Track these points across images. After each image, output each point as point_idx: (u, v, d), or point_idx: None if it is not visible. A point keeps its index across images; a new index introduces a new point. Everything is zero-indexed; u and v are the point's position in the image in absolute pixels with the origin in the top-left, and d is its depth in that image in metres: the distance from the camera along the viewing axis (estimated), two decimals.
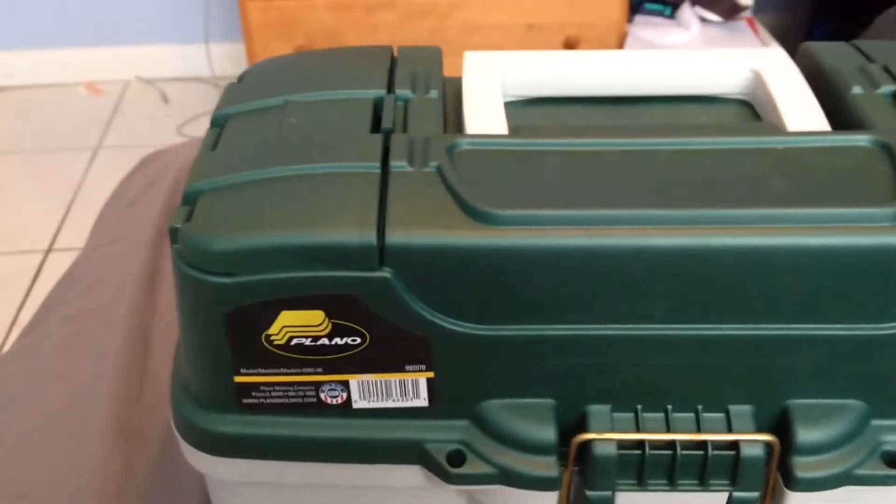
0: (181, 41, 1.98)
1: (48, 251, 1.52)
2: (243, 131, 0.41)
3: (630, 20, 1.61)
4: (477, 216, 0.35)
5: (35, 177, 1.72)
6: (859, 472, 0.37)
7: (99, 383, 0.55)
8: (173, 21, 1.96)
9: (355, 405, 0.38)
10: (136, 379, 0.56)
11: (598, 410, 0.38)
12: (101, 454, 0.50)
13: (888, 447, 0.37)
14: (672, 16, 1.62)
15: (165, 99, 1.93)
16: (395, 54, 0.47)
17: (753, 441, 0.37)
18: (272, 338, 0.36)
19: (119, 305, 0.62)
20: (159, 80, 1.99)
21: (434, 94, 0.43)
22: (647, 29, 1.59)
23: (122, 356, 0.57)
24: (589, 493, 0.38)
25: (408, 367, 0.37)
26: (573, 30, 1.55)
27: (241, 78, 0.46)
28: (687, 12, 1.59)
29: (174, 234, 0.36)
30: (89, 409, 0.54)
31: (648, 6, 1.63)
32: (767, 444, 0.37)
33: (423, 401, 0.38)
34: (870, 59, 0.44)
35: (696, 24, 1.58)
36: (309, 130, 0.40)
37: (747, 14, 1.62)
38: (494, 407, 0.38)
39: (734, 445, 0.37)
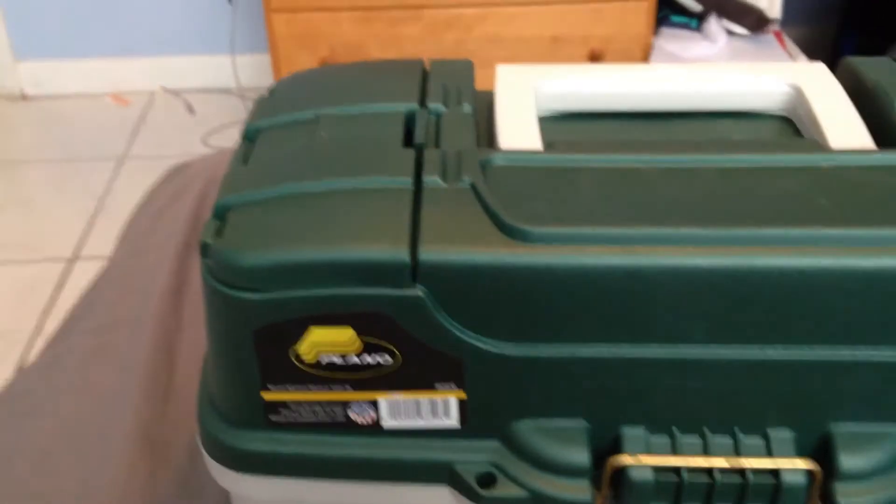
0: (207, 52, 1.99)
1: (73, 260, 1.53)
2: (274, 145, 0.41)
3: (656, 32, 1.60)
4: (511, 233, 0.34)
5: (60, 186, 1.73)
6: None
7: (124, 396, 0.55)
8: (199, 32, 1.97)
9: (384, 424, 0.38)
10: (162, 392, 0.56)
11: (632, 433, 0.37)
12: (124, 467, 0.50)
13: None
14: (698, 28, 1.60)
15: (191, 110, 1.94)
16: (427, 67, 0.46)
17: (795, 468, 0.35)
18: (301, 355, 0.36)
19: (145, 318, 0.62)
20: (185, 91, 2.00)
21: (467, 108, 0.42)
22: (673, 42, 1.58)
23: (147, 369, 0.57)
24: None
25: (438, 386, 0.37)
26: (598, 42, 1.54)
27: (271, 91, 0.46)
28: (714, 25, 1.57)
29: (205, 248, 0.36)
30: (114, 421, 0.53)
31: (674, 18, 1.61)
32: (809, 472, 0.36)
33: (453, 421, 0.37)
34: None
35: (722, 37, 1.56)
36: (341, 145, 0.40)
37: (775, 27, 1.60)
38: (526, 428, 0.37)
39: (774, 472, 0.36)
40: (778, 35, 1.61)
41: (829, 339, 0.35)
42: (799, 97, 0.43)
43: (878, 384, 0.35)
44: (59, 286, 1.46)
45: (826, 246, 0.33)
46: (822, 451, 0.36)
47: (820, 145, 0.40)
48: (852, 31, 1.65)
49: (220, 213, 0.37)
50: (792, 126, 0.44)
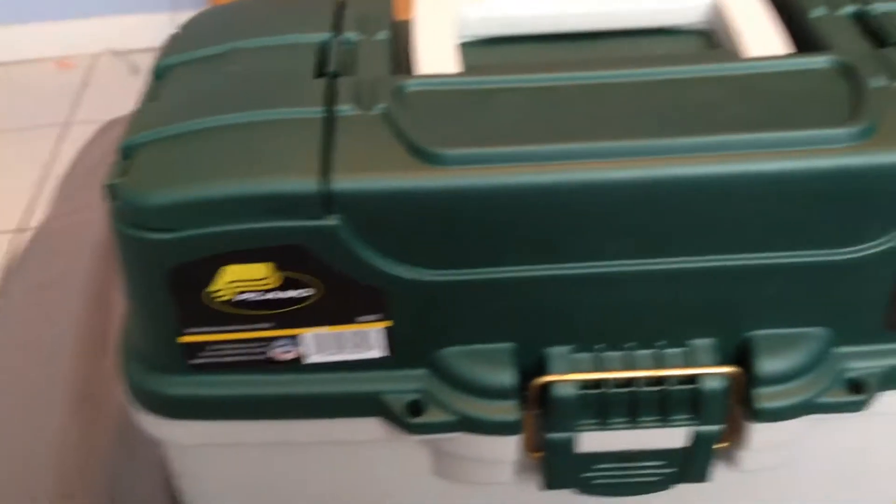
0: (149, 10, 1.93)
1: (19, 231, 1.49)
2: (184, 82, 0.40)
3: None
4: (426, 157, 0.34)
5: (4, 156, 1.69)
6: (822, 399, 0.36)
7: (60, 352, 0.54)
8: None
9: (309, 360, 0.37)
10: (98, 348, 0.55)
11: (557, 352, 0.37)
12: (62, 423, 0.49)
13: (851, 374, 0.37)
14: None
15: (136, 70, 1.89)
16: None
17: (714, 374, 0.36)
18: (217, 294, 0.35)
19: (80, 274, 0.61)
20: (129, 52, 1.95)
21: (383, 35, 0.41)
22: None
23: (83, 325, 0.56)
24: (549, 435, 0.37)
25: (362, 318, 0.36)
26: None
27: (183, 27, 0.44)
28: None
29: (110, 190, 0.35)
30: (51, 377, 0.53)
31: None
32: (729, 377, 0.36)
33: (379, 351, 0.37)
34: None
35: None
36: (252, 77, 0.38)
37: None
38: (453, 354, 0.37)
39: (695, 379, 0.36)
40: None
41: (745, 246, 0.35)
42: (716, 10, 0.43)
43: (794, 288, 0.35)
44: (7, 258, 1.43)
45: (739, 151, 0.33)
46: (741, 357, 0.37)
47: (734, 54, 0.40)
48: None
49: (127, 153, 0.36)
50: (710, 39, 0.43)
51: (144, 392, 0.38)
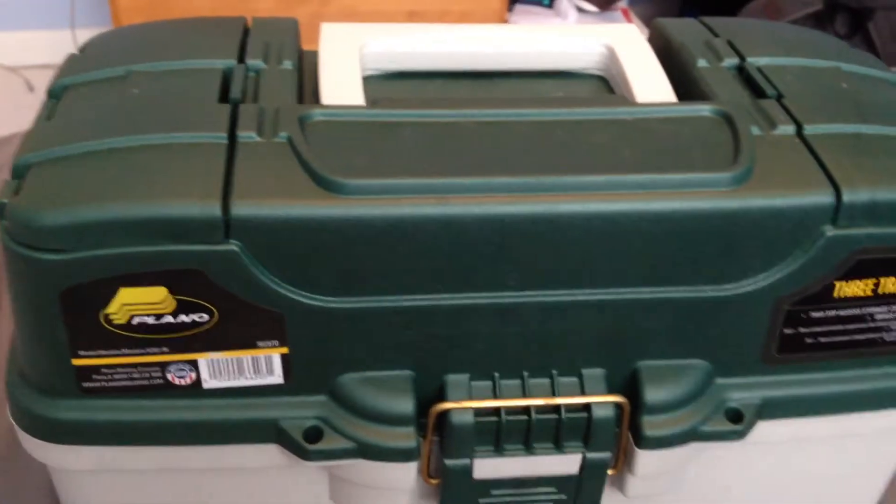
0: (46, 27, 1.87)
1: None
2: (82, 102, 0.39)
3: (510, 9, 1.63)
4: (327, 186, 0.34)
5: None
6: (705, 428, 0.38)
7: None
8: (38, 5, 1.85)
9: (205, 385, 0.37)
10: None
11: (455, 380, 0.38)
12: None
13: (731, 404, 0.39)
14: (550, 5, 1.64)
15: (30, 87, 1.83)
16: (249, 25, 0.45)
17: (604, 402, 0.37)
18: (111, 317, 0.35)
19: None
20: (24, 68, 1.88)
21: (288, 64, 0.42)
22: (527, 18, 1.61)
23: None
24: (447, 461, 0.38)
25: (260, 344, 0.36)
26: (454, 18, 1.55)
27: (82, 48, 0.44)
28: (564, 2, 1.62)
29: (0, 209, 0.34)
30: None
31: None
32: (617, 405, 0.38)
33: (277, 378, 0.37)
34: (715, 34, 0.46)
35: (573, 14, 1.61)
36: (152, 101, 0.38)
37: (622, 4, 1.66)
38: (351, 381, 0.38)
39: (586, 408, 0.38)
40: (625, 12, 1.67)
41: (632, 281, 0.36)
42: (611, 56, 0.45)
43: (678, 321, 0.37)
44: None
45: (626, 191, 0.35)
46: (630, 386, 0.38)
47: (627, 100, 0.42)
48: (694, 9, 1.73)
49: (20, 172, 0.35)
50: (606, 84, 0.45)
51: (32, 416, 0.37)
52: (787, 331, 0.38)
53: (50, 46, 1.88)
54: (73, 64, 0.42)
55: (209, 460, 0.38)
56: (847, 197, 0.35)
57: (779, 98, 0.41)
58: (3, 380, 0.39)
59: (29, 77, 1.86)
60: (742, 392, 0.39)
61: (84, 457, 0.38)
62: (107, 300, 0.34)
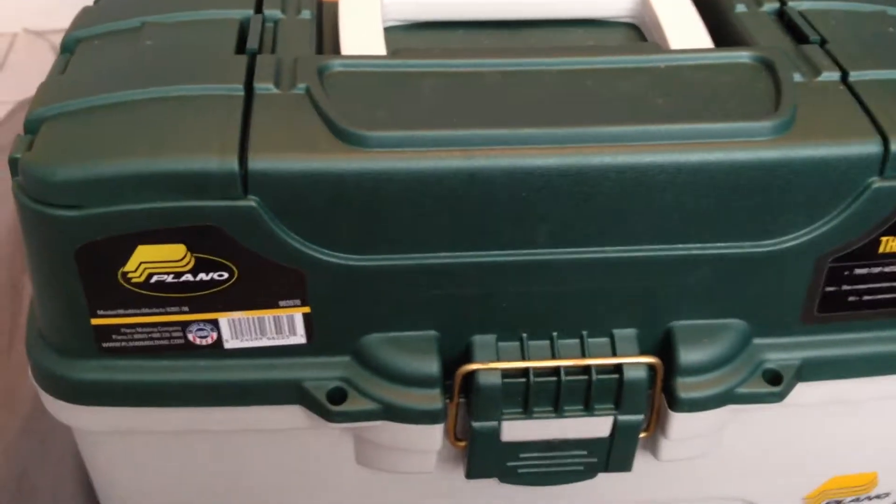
0: None
1: None
2: (95, 55, 0.38)
3: None
4: (348, 139, 0.33)
5: None
6: (741, 390, 0.37)
7: None
8: None
9: (227, 345, 0.36)
10: (6, 335, 0.52)
11: (482, 340, 0.37)
12: None
13: (769, 365, 0.38)
14: None
15: (55, 50, 1.83)
16: None
17: (636, 363, 0.36)
18: (129, 275, 0.34)
19: None
20: (49, 32, 1.88)
21: (307, 14, 0.40)
22: None
23: None
24: (474, 423, 0.37)
25: (282, 303, 0.35)
26: None
27: (97, 0, 0.43)
28: None
29: (14, 164, 0.33)
30: None
31: None
32: (650, 366, 0.36)
33: (299, 338, 0.36)
34: None
35: None
36: (167, 52, 0.37)
37: None
38: (375, 341, 0.37)
39: (618, 369, 0.36)
40: None
41: (666, 237, 0.35)
42: (643, 3, 0.43)
43: (714, 279, 0.36)
44: None
45: (660, 142, 0.33)
46: (664, 347, 0.37)
47: (659, 47, 0.40)
48: None
49: (33, 127, 0.34)
50: (638, 32, 0.44)
51: (54, 377, 0.37)
52: (829, 289, 0.37)
53: (73, 9, 1.88)
54: (86, 16, 0.41)
55: (231, 421, 0.38)
56: None
57: (822, 43, 0.39)
58: (25, 341, 0.39)
59: (55, 41, 1.86)
60: (781, 353, 0.38)
61: (105, 418, 0.37)
62: (124, 258, 0.33)
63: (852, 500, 0.47)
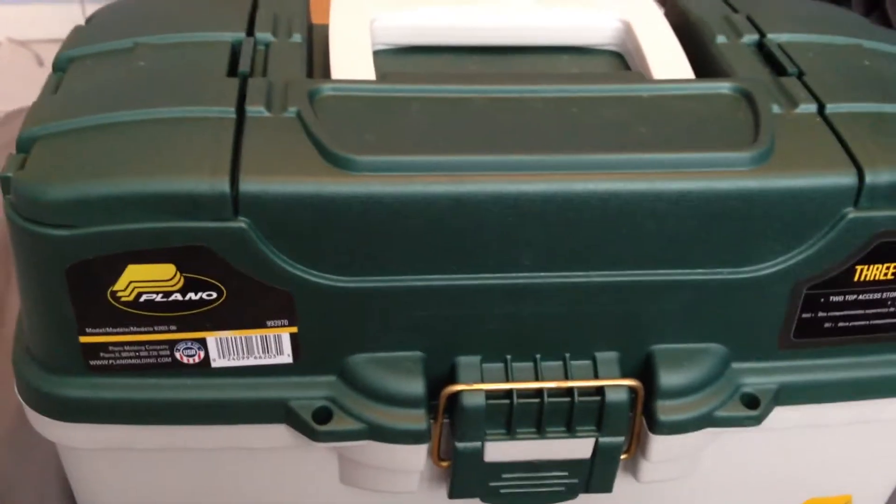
0: (56, 0, 1.86)
1: None
2: (88, 75, 0.38)
3: None
4: (338, 162, 0.34)
5: None
6: (720, 413, 0.38)
7: None
8: None
9: (214, 364, 0.36)
10: None
11: (467, 361, 0.37)
12: None
13: (747, 389, 0.38)
14: None
15: (40, 61, 1.82)
16: None
17: (617, 386, 0.37)
18: (119, 294, 0.34)
19: None
20: (33, 42, 1.87)
21: (297, 38, 0.41)
22: None
23: None
24: (458, 444, 0.37)
25: (269, 323, 0.36)
26: None
27: (89, 20, 0.43)
28: None
29: (5, 183, 0.33)
30: None
31: None
32: (631, 389, 0.37)
33: (286, 357, 0.37)
34: (734, 10, 0.45)
35: None
36: (159, 73, 0.37)
37: None
38: (362, 361, 0.37)
39: (600, 391, 0.37)
40: None
41: (648, 262, 0.36)
42: (628, 32, 0.44)
43: (694, 304, 0.37)
44: None
45: (642, 171, 0.34)
46: (645, 370, 0.38)
47: (643, 76, 0.41)
48: None
49: (25, 145, 0.34)
50: (622, 60, 0.44)
51: (39, 393, 0.37)
52: (806, 315, 0.38)
53: (60, 20, 1.87)
54: (78, 36, 0.41)
55: (218, 440, 0.38)
56: (870, 178, 0.34)
57: (800, 76, 0.40)
58: (11, 356, 0.39)
59: (39, 51, 1.85)
60: (758, 377, 0.39)
61: (91, 435, 0.37)
62: (114, 277, 0.34)
63: None
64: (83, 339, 0.35)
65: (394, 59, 0.43)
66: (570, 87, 0.38)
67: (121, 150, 0.33)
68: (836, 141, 0.36)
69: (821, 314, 0.38)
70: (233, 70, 0.38)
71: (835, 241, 0.35)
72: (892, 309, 0.38)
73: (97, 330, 0.35)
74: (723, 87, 0.38)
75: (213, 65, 0.38)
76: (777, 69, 0.40)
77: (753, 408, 0.38)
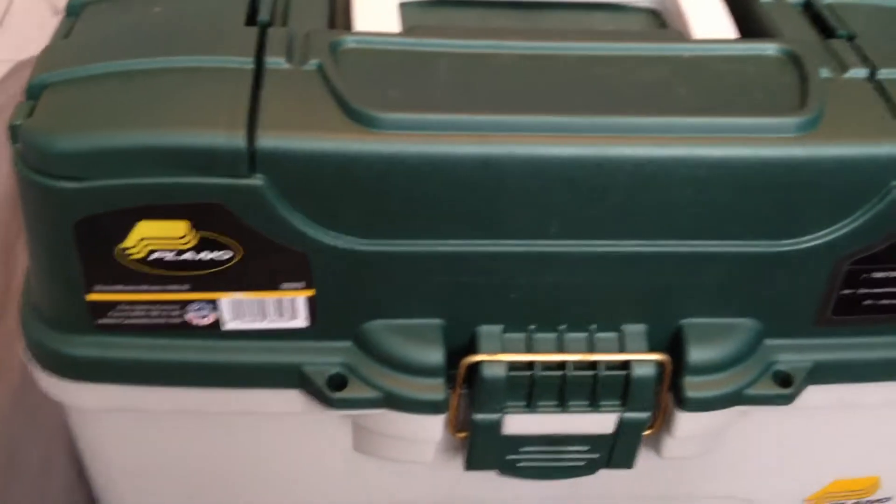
0: None
1: None
2: (102, 20, 0.37)
3: None
4: (360, 119, 0.32)
5: None
6: (750, 391, 0.36)
7: None
8: None
9: (226, 326, 0.35)
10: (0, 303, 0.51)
11: (488, 331, 0.36)
12: None
13: (780, 366, 0.37)
14: None
15: (56, 10, 1.80)
16: None
17: (645, 360, 0.35)
18: (129, 251, 0.33)
19: None
20: None
21: None
22: None
23: None
24: (476, 415, 0.36)
25: (284, 285, 0.34)
26: None
27: None
28: None
29: (14, 131, 0.32)
30: None
31: None
32: (659, 364, 0.36)
33: (301, 321, 0.35)
34: None
35: None
36: (175, 20, 0.36)
37: None
38: (379, 328, 0.36)
39: (626, 365, 0.35)
40: None
41: (683, 233, 0.34)
42: None
43: (729, 278, 0.35)
44: None
45: (682, 135, 0.32)
46: (674, 345, 0.36)
47: (682, 36, 0.39)
48: None
49: (35, 93, 0.33)
50: (659, 18, 0.42)
51: (46, 351, 0.36)
52: (845, 291, 0.36)
53: None
54: None
55: (228, 403, 0.37)
56: None
57: (850, 38, 0.37)
58: (18, 313, 0.38)
59: (53, 0, 1.83)
60: (792, 354, 0.37)
61: (97, 395, 0.36)
62: (124, 233, 0.32)
63: None
64: (90, 297, 0.34)
65: (420, 12, 0.41)
66: (606, 45, 0.36)
67: (133, 99, 0.32)
68: (888, 108, 0.34)
69: (861, 291, 0.36)
70: (252, 19, 0.36)
71: (881, 215, 0.34)
72: None
73: (106, 288, 0.34)
74: (768, 48, 0.36)
75: (232, 12, 0.36)
76: (826, 31, 0.38)
77: (786, 386, 0.37)
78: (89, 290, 0.34)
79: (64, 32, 0.36)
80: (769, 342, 0.37)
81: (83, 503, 0.46)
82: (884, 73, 0.35)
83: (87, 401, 0.37)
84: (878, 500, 0.47)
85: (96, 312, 0.34)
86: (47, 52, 0.35)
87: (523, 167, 0.32)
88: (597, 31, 0.41)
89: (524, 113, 0.33)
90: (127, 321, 0.35)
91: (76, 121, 0.31)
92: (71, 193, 0.31)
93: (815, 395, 0.38)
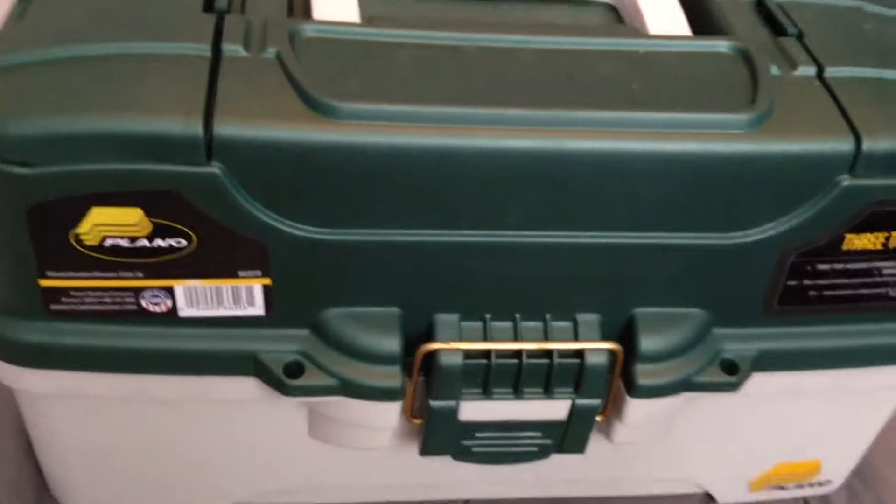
0: None
1: None
2: (56, 3, 0.36)
3: None
4: (319, 108, 0.32)
5: None
6: (698, 378, 0.37)
7: None
8: None
9: (182, 313, 0.35)
10: None
11: (445, 319, 0.36)
12: None
13: (726, 355, 0.38)
14: None
15: None
16: None
17: (598, 349, 0.36)
18: (82, 237, 0.32)
19: None
20: None
21: None
22: None
23: None
24: (432, 402, 0.37)
25: (241, 273, 0.34)
26: None
27: None
28: None
29: None
30: None
31: None
32: (611, 352, 0.36)
33: (258, 309, 0.35)
34: None
35: None
36: (132, 5, 0.35)
37: None
38: (336, 316, 0.36)
39: (579, 354, 0.36)
40: None
41: (636, 225, 0.35)
42: None
43: (680, 269, 0.36)
44: None
45: (636, 129, 0.33)
46: (626, 333, 0.37)
47: (638, 31, 0.39)
48: None
49: None
50: (616, 13, 0.43)
51: None
52: (791, 282, 0.37)
53: None
54: None
55: (182, 390, 0.37)
56: (867, 145, 0.34)
57: (799, 37, 0.38)
58: None
59: None
60: (739, 343, 0.38)
61: (50, 381, 0.36)
62: (78, 219, 0.32)
63: (795, 486, 0.48)
64: (43, 283, 0.33)
65: (379, 1, 0.41)
66: (563, 40, 0.37)
67: (88, 85, 0.31)
68: (835, 106, 0.35)
69: (806, 282, 0.37)
70: (209, 5, 0.36)
71: (826, 209, 0.35)
72: (878, 279, 0.37)
73: (59, 273, 0.33)
74: (720, 45, 0.37)
75: None
76: (776, 29, 0.39)
77: (732, 373, 0.38)
78: (42, 276, 0.33)
79: (17, 15, 0.35)
80: (717, 331, 0.38)
81: (33, 486, 0.45)
82: (831, 72, 0.36)
83: (39, 387, 0.36)
84: (818, 483, 0.48)
85: (49, 298, 0.34)
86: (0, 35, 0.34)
87: (481, 159, 0.33)
88: (555, 24, 0.41)
89: (483, 105, 0.33)
90: (80, 307, 0.34)
91: (29, 106, 0.31)
92: (24, 179, 0.31)
93: (760, 382, 0.39)
